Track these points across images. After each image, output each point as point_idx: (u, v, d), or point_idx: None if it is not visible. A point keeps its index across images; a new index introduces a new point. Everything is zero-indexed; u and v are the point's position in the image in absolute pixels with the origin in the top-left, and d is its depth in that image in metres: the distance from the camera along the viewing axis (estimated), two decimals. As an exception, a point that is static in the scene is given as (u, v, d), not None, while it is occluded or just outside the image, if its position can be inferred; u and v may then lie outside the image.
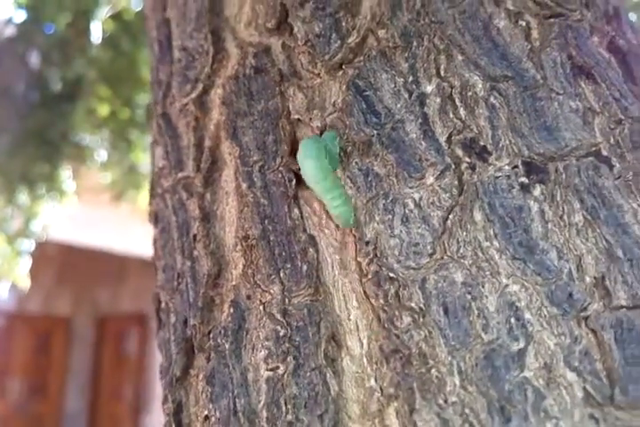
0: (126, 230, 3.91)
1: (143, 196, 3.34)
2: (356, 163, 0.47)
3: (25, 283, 2.65)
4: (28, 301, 4.60)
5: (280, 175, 0.50)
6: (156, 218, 0.62)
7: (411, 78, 0.48)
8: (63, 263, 4.67)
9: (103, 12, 2.90)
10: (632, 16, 2.71)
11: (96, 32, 2.85)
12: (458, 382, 0.38)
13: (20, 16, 2.93)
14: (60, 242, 3.76)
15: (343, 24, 0.52)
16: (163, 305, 0.57)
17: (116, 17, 3.04)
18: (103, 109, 3.00)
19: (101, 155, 3.18)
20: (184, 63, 0.60)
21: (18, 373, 4.52)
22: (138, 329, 4.76)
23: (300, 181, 0.50)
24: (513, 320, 0.39)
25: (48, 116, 2.86)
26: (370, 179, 0.46)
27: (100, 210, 3.79)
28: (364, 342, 0.43)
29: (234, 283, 0.50)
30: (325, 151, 0.46)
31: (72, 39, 2.86)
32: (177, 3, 0.63)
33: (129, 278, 4.91)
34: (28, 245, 2.72)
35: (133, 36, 3.04)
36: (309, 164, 0.46)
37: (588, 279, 0.40)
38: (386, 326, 0.41)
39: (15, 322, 4.65)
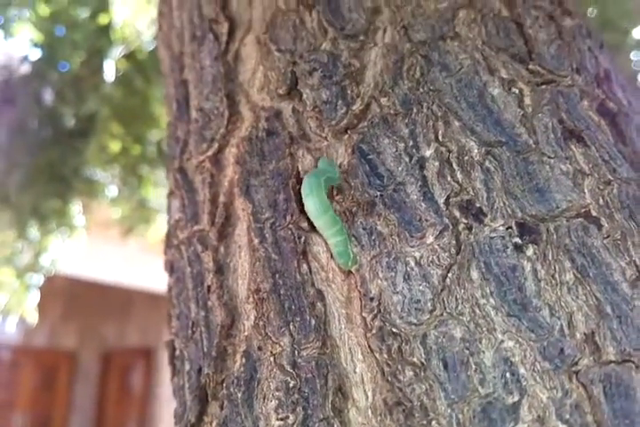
0: (134, 265, 3.95)
1: (152, 230, 3.39)
2: (361, 222, 0.51)
3: (33, 317, 2.68)
4: (33, 334, 4.62)
5: (290, 232, 0.54)
6: (171, 268, 0.66)
7: (411, 143, 0.52)
8: (70, 297, 4.70)
9: (117, 52, 3.00)
10: (635, 55, 2.76)
11: (109, 71, 2.95)
12: (457, 434, 0.41)
13: (36, 54, 3.04)
14: (68, 276, 3.79)
15: (348, 92, 0.56)
16: (177, 353, 0.61)
17: (130, 56, 3.14)
18: (115, 146, 3.07)
19: (112, 190, 3.24)
20: (201, 123, 0.65)
21: (23, 407, 4.51)
22: (143, 363, 4.75)
23: (308, 238, 0.53)
24: (508, 375, 0.42)
25: (60, 152, 2.93)
26: (374, 237, 0.50)
27: (109, 244, 3.84)
28: (369, 394, 0.45)
29: (246, 334, 0.53)
30: (325, 186, 0.50)
31: (86, 77, 2.95)
32: (194, 66, 0.68)
33: (135, 313, 4.93)
34: (37, 279, 2.76)
35: (146, 74, 3.13)
36: (309, 200, 0.50)
37: (578, 335, 0.43)
38: (389, 379, 0.44)
39: (21, 356, 4.65)
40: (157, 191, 3.50)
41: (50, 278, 2.85)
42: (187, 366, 0.58)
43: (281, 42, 0.62)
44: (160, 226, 3.69)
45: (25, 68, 3.07)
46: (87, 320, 4.95)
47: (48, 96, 3.03)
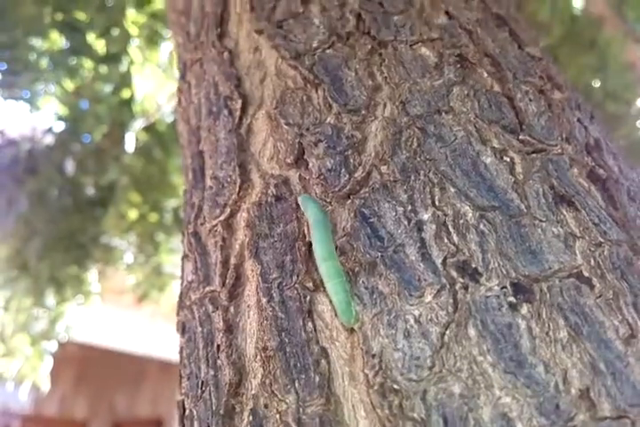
0: (147, 333, 3.93)
1: (166, 297, 3.40)
2: (363, 282, 0.54)
3: (45, 385, 2.65)
4: (44, 403, 4.53)
5: (296, 292, 0.57)
6: (183, 328, 0.68)
7: (409, 207, 0.56)
8: (82, 365, 4.65)
9: (137, 124, 3.14)
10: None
11: (130, 142, 3.07)
12: None
13: (59, 126, 3.19)
14: (80, 343, 3.78)
15: (351, 161, 0.61)
16: (187, 412, 0.62)
17: (150, 128, 3.28)
18: (132, 214, 3.14)
19: (128, 257, 3.28)
20: (215, 190, 0.69)
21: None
22: (154, 435, 4.62)
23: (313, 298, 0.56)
24: (506, 430, 0.43)
25: (80, 221, 3.00)
26: (375, 296, 0.52)
27: (122, 312, 3.85)
28: (371, 450, 0.47)
29: (253, 392, 0.55)
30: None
31: (107, 148, 3.07)
32: (210, 138, 0.74)
33: (147, 382, 4.85)
34: (51, 346, 2.75)
35: (165, 145, 3.27)
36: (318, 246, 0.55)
37: (573, 391, 0.45)
38: (390, 435, 0.46)
39: (31, 425, 4.55)
40: (172, 258, 3.54)
41: (63, 345, 2.85)
42: (195, 426, 0.59)
43: (289, 116, 0.67)
44: (174, 293, 3.70)
45: (48, 139, 3.21)
46: (98, 389, 4.86)
47: (70, 166, 3.14)
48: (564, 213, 0.56)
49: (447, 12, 0.74)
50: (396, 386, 0.48)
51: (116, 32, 2.61)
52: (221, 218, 0.67)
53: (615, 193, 0.62)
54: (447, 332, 0.49)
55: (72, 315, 3.09)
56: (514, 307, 0.49)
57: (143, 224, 3.22)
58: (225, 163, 0.69)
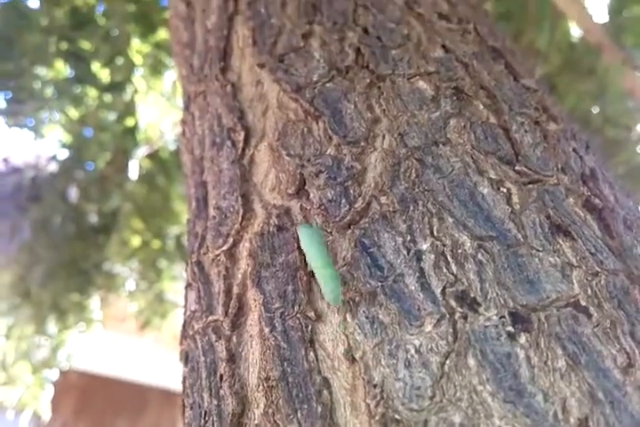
0: (149, 361, 3.91)
1: (168, 325, 3.39)
2: (364, 311, 0.55)
3: (46, 414, 2.63)
4: (43, 432, 4.47)
5: (298, 321, 0.58)
6: (186, 358, 0.69)
7: (408, 237, 0.57)
8: (82, 393, 4.60)
9: (141, 152, 3.18)
10: None
11: (133, 169, 3.10)
12: None
13: (63, 154, 3.22)
14: (81, 371, 3.76)
15: (351, 191, 0.62)
16: (189, 443, 0.62)
17: (153, 155, 3.31)
18: (135, 240, 3.15)
19: (130, 284, 3.28)
20: (218, 220, 0.71)
21: None
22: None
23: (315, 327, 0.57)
24: (506, 460, 0.44)
25: (82, 248, 3.00)
26: (375, 326, 0.53)
27: (124, 339, 3.82)
28: (373, 481, 0.47)
29: (256, 422, 0.55)
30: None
31: (110, 175, 3.09)
32: (213, 169, 0.75)
33: (149, 411, 4.79)
34: (52, 374, 2.74)
35: (168, 172, 3.29)
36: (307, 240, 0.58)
37: (572, 420, 0.45)
38: (391, 465, 0.46)
39: (27, 456, 4.48)
40: (175, 285, 3.54)
41: (64, 374, 2.84)
42: (198, 456, 0.59)
43: (291, 148, 0.69)
44: (176, 321, 3.68)
45: (52, 167, 3.24)
46: (99, 417, 4.80)
47: (73, 193, 3.16)
48: (561, 242, 0.57)
49: (444, 46, 0.76)
50: (397, 416, 0.48)
51: (120, 61, 2.65)
52: (224, 248, 0.68)
53: (611, 222, 0.63)
54: (447, 361, 0.49)
55: (74, 343, 3.07)
56: (512, 336, 0.50)
57: (146, 251, 3.23)
58: (228, 193, 0.71)
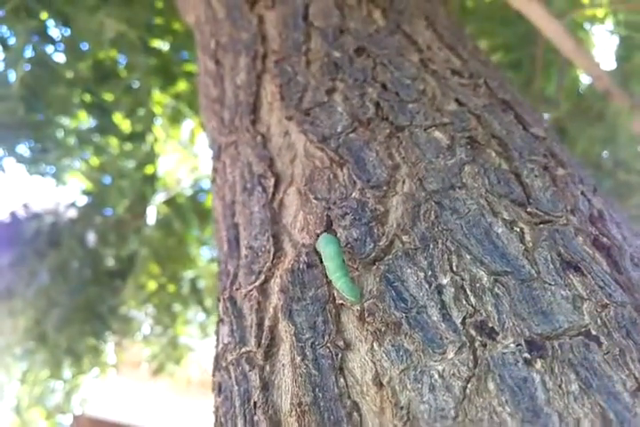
0: (161, 406, 3.89)
1: (181, 370, 3.39)
2: (390, 340, 0.60)
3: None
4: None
5: (328, 350, 0.63)
6: (219, 388, 0.74)
7: (430, 273, 0.63)
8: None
9: (159, 198, 3.27)
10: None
11: (151, 214, 3.18)
12: None
13: (83, 200, 3.32)
14: (94, 416, 3.75)
15: (375, 231, 0.69)
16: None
17: (170, 201, 3.41)
18: (151, 285, 3.20)
19: (144, 328, 3.31)
20: (250, 259, 0.77)
21: None
22: None
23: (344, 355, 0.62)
24: (526, 476, 0.48)
25: (99, 292, 3.05)
26: (401, 353, 0.59)
27: (137, 384, 3.82)
28: None
29: (289, 446, 0.60)
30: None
31: (128, 221, 3.18)
32: (244, 212, 0.82)
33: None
34: (66, 419, 2.75)
35: (184, 217, 3.38)
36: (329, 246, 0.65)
37: (586, 440, 0.50)
38: (419, 481, 0.50)
39: None
40: (189, 330, 3.56)
41: (76, 418, 2.84)
42: (233, 482, 0.64)
43: (318, 192, 0.76)
44: (189, 367, 3.68)
45: (71, 213, 3.33)
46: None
47: (91, 238, 3.24)
48: (571, 277, 0.63)
49: (457, 100, 0.84)
50: (423, 436, 0.53)
51: (141, 112, 2.77)
52: (256, 284, 0.74)
53: (619, 259, 0.68)
54: (468, 385, 0.54)
55: (87, 387, 3.09)
56: (528, 362, 0.55)
57: (161, 295, 3.27)
58: (259, 234, 0.78)
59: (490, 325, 0.58)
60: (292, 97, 0.90)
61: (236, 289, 0.78)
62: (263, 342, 0.69)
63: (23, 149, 2.68)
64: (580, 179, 0.79)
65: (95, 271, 3.11)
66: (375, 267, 0.66)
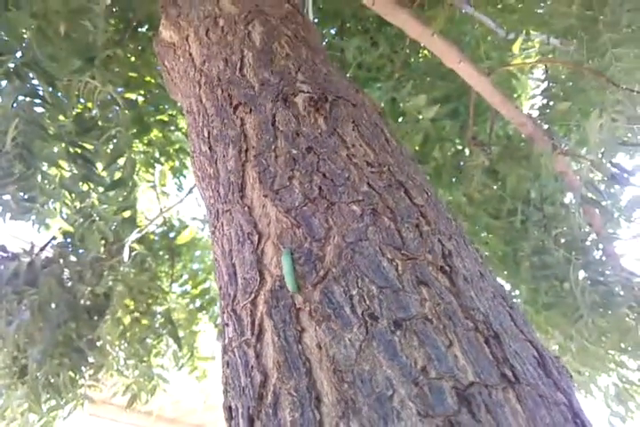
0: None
1: (154, 401, 3.93)
2: (325, 325, 1.24)
3: None
4: None
5: (292, 333, 1.27)
6: (227, 363, 1.36)
7: (346, 288, 1.28)
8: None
9: (133, 237, 3.85)
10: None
11: (126, 253, 3.76)
12: None
13: (59, 240, 3.87)
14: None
15: (317, 266, 1.34)
16: (228, 403, 1.29)
17: (142, 239, 4.00)
18: (126, 319, 3.76)
19: (119, 361, 3.85)
20: (244, 285, 1.41)
21: None
22: None
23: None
24: None
25: (77, 328, 3.57)
26: (331, 331, 1.23)
27: (110, 417, 4.31)
28: None
29: (273, 384, 1.22)
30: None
31: (104, 260, 3.74)
32: (239, 256, 1.47)
33: None
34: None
35: (156, 254, 3.97)
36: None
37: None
38: None
39: None
40: (160, 361, 4.12)
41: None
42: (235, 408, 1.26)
43: (284, 244, 1.41)
44: (161, 399, 4.20)
45: (47, 252, 3.87)
46: None
47: (68, 277, 3.77)
48: (422, 289, 1.28)
49: (368, 183, 1.51)
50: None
51: (121, 161, 3.35)
52: (249, 300, 1.38)
53: (455, 278, 1.35)
54: (363, 344, 1.19)
55: (63, 421, 3.60)
56: (393, 332, 1.20)
57: (135, 328, 3.83)
58: (250, 270, 1.42)
59: (375, 314, 1.22)
60: (267, 181, 1.55)
61: (236, 304, 1.41)
62: (255, 332, 1.32)
63: (8, 197, 3.20)
64: (439, 231, 1.46)
65: (73, 308, 3.61)
66: (318, 286, 1.30)
